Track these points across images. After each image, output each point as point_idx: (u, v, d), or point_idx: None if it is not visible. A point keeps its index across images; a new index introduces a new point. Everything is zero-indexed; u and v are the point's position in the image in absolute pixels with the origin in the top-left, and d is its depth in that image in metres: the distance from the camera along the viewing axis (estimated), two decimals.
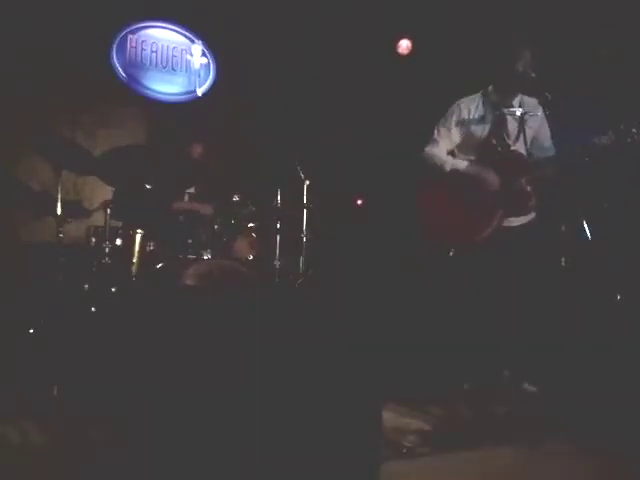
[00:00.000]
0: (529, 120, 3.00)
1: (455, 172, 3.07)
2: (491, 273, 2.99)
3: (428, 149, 3.16)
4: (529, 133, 3.02)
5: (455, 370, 3.27)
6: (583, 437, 2.21)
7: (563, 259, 3.37)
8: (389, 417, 2.51)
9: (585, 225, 2.65)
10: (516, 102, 3.04)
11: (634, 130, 2.66)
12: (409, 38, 4.91)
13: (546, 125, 2.93)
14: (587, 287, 3.26)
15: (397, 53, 4.96)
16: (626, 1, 3.58)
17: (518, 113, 3.00)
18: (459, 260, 3.09)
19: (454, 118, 3.12)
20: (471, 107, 3.10)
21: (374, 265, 4.72)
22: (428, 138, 3.19)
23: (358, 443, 1.53)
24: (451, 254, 3.10)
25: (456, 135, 3.12)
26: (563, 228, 3.36)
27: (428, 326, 4.20)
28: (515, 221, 3.01)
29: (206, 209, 3.84)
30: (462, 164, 3.06)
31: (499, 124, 3.04)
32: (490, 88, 3.09)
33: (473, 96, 3.13)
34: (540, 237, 3.01)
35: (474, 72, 3.24)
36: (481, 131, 3.06)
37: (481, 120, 3.06)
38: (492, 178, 2.97)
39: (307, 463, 1.45)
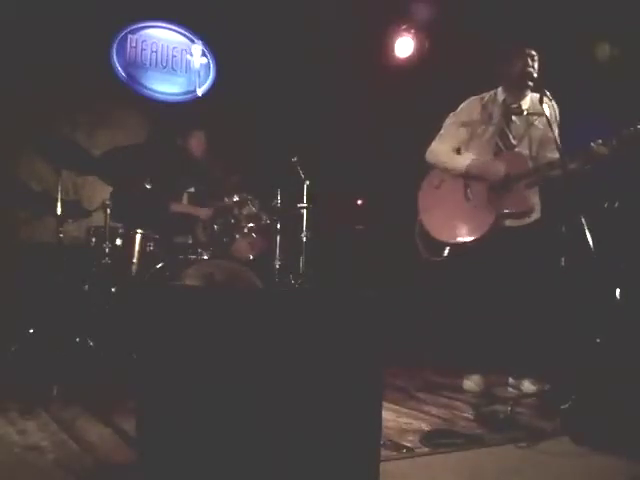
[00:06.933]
0: (537, 121, 2.99)
1: (455, 172, 3.07)
2: (487, 273, 2.99)
3: (433, 145, 3.17)
4: (536, 134, 3.01)
5: (455, 370, 3.28)
6: (583, 437, 2.21)
7: (563, 259, 3.37)
8: (389, 417, 2.52)
9: (585, 225, 2.65)
10: (525, 102, 3.04)
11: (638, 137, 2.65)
12: (412, 36, 4.90)
13: (553, 127, 2.90)
14: (587, 287, 3.26)
15: (399, 52, 4.95)
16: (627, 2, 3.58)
17: (525, 113, 3.00)
18: (455, 260, 3.09)
19: (462, 117, 3.13)
20: (479, 106, 3.10)
21: (374, 264, 4.73)
22: (433, 135, 3.20)
23: (358, 443, 1.53)
24: (446, 253, 3.08)
25: (463, 133, 3.12)
26: (563, 228, 3.35)
27: (428, 326, 4.21)
28: (513, 223, 2.99)
29: (204, 213, 3.85)
30: (466, 160, 3.04)
31: (506, 124, 3.03)
32: (499, 87, 3.09)
33: (482, 95, 3.13)
34: (540, 238, 3.00)
35: (483, 71, 3.23)
36: (487, 130, 3.06)
37: (489, 119, 3.06)
38: (497, 168, 2.95)
39: (307, 463, 1.46)
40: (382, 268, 4.65)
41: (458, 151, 3.16)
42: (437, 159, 3.14)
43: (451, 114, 3.18)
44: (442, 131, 3.18)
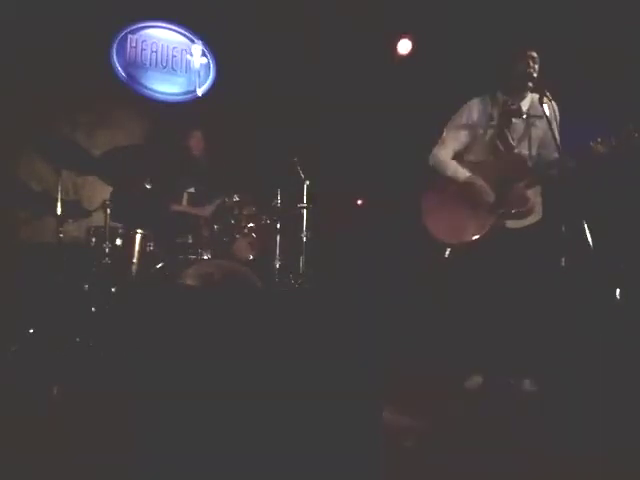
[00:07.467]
0: (537, 121, 2.99)
1: (454, 178, 3.08)
2: (488, 274, 2.99)
3: (435, 150, 3.17)
4: (536, 134, 3.01)
5: (455, 370, 3.28)
6: (583, 437, 2.21)
7: (563, 259, 3.37)
8: (389, 417, 2.52)
9: (585, 226, 2.65)
10: (525, 103, 3.04)
11: (636, 135, 2.65)
12: (412, 38, 4.90)
13: (553, 127, 2.90)
14: (587, 287, 3.27)
15: (399, 53, 4.95)
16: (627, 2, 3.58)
17: (524, 115, 3.00)
18: (456, 261, 3.10)
19: (463, 119, 3.12)
20: (480, 108, 3.10)
21: (373, 264, 4.72)
22: (435, 139, 3.20)
23: (358, 443, 1.54)
24: (447, 254, 3.09)
25: (464, 136, 3.12)
26: (563, 228, 3.35)
27: (428, 325, 4.21)
28: (514, 224, 2.99)
29: (204, 212, 3.85)
30: (462, 175, 3.05)
31: (505, 125, 3.03)
32: (499, 89, 3.09)
33: (482, 97, 3.13)
34: (541, 240, 3.00)
35: (482, 73, 3.24)
36: (487, 132, 3.06)
37: (488, 121, 3.06)
38: (487, 194, 2.97)
39: (308, 463, 1.46)
40: (383, 268, 4.64)
41: (460, 154, 3.17)
42: (438, 165, 3.16)
43: (452, 117, 3.18)
44: (443, 135, 3.18)
